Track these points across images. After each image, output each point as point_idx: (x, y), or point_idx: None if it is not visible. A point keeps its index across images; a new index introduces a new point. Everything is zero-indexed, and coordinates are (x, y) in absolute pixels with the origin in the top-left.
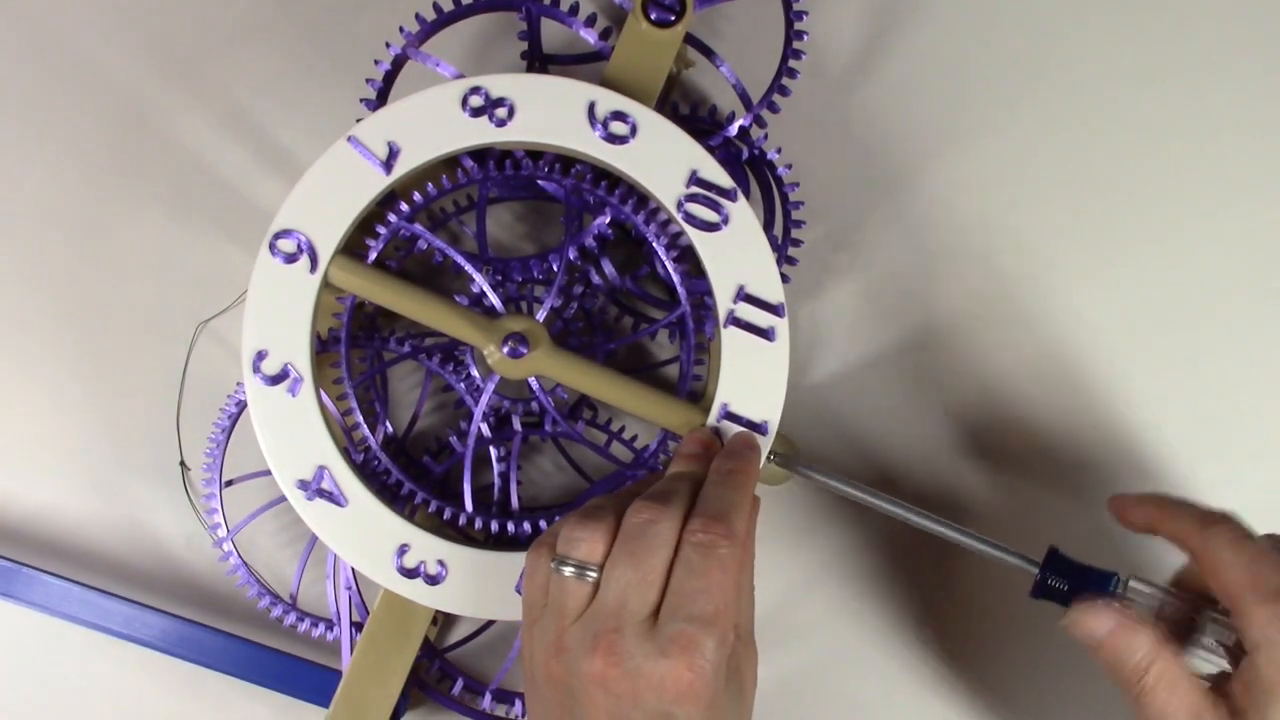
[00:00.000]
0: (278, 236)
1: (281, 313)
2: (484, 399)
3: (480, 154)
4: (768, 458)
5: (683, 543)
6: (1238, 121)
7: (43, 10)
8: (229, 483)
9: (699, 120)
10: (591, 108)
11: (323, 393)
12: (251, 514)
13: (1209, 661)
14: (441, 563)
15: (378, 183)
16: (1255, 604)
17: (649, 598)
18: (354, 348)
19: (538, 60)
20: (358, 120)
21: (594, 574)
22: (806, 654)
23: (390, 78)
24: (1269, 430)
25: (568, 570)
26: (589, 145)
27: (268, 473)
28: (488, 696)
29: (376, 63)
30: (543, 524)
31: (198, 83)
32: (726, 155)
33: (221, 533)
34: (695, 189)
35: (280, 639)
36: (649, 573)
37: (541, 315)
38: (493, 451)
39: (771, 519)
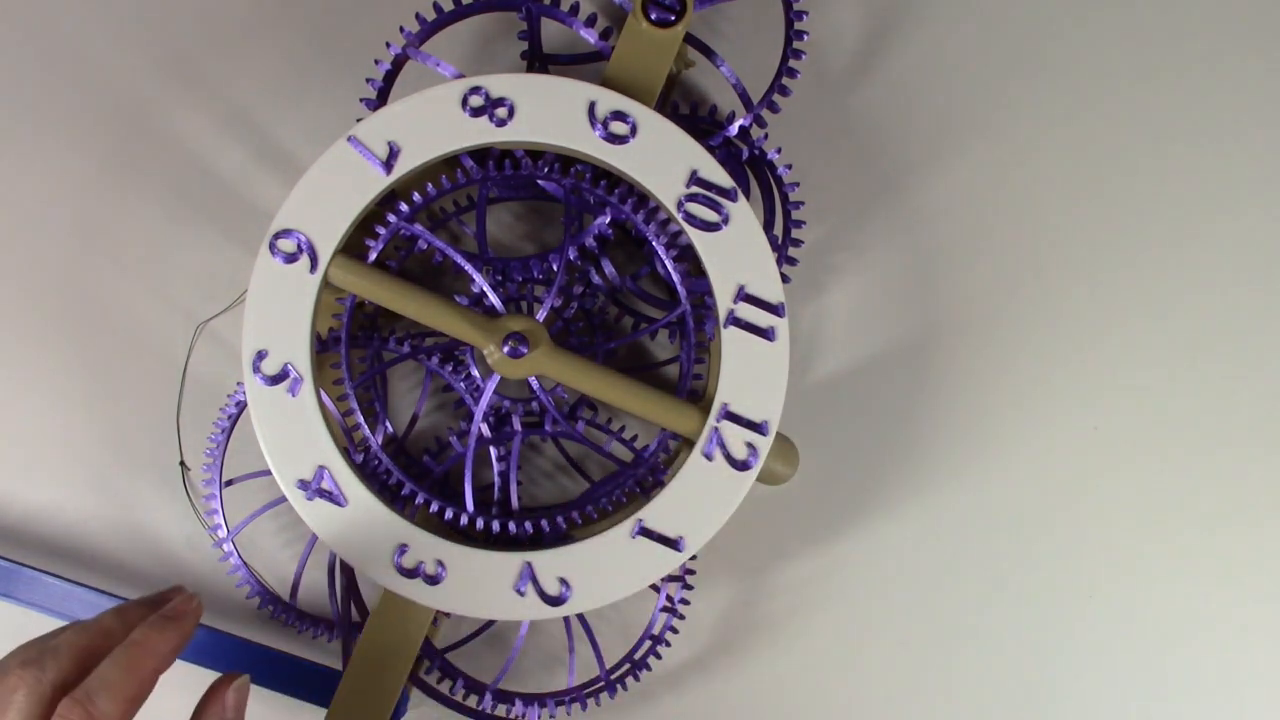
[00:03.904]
0: (278, 236)
1: (281, 313)
2: (484, 399)
3: (480, 154)
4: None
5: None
6: (1239, 121)
7: (43, 10)
8: (229, 483)
9: (699, 120)
10: (591, 107)
11: (323, 393)
12: (252, 514)
13: None
14: (441, 563)
15: (378, 183)
16: None
17: None
18: (354, 348)
19: (538, 60)
20: (358, 120)
21: None
22: (805, 654)
23: (390, 78)
24: (1269, 430)
25: None
26: (589, 145)
27: (268, 473)
28: (488, 696)
29: (376, 63)
30: (543, 524)
31: (198, 83)
32: (726, 155)
33: (221, 533)
34: (695, 189)
35: (280, 639)
36: None
37: (541, 315)
38: (493, 451)
39: (772, 518)
